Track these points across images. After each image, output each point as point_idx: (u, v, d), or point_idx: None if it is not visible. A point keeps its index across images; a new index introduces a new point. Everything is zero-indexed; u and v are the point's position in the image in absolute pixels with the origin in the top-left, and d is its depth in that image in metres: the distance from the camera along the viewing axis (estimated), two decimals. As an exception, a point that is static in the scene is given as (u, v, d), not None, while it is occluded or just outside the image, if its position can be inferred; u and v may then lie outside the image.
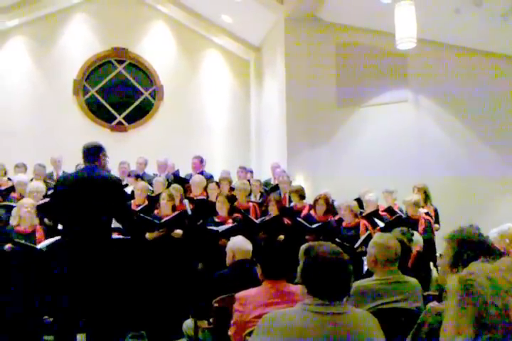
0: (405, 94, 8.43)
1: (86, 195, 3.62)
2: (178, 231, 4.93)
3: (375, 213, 5.51)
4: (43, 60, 9.76)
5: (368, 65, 8.54)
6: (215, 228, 4.98)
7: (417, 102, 8.41)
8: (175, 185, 5.72)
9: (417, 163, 7.90)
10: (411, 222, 5.30)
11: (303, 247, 2.02)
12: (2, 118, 9.34)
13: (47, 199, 4.97)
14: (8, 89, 9.54)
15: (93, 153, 3.76)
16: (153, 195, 5.68)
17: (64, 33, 9.93)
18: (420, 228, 5.34)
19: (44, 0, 9.38)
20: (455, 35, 7.92)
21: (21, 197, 5.41)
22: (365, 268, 4.19)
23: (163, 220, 4.82)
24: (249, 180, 6.56)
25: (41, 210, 4.75)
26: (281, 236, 5.21)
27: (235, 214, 5.20)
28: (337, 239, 4.85)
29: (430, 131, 8.25)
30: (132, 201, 5.45)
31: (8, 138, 9.12)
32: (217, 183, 6.20)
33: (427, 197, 6.18)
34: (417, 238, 4.50)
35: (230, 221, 5.14)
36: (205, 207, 5.50)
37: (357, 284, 2.67)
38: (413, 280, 2.80)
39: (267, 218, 5.29)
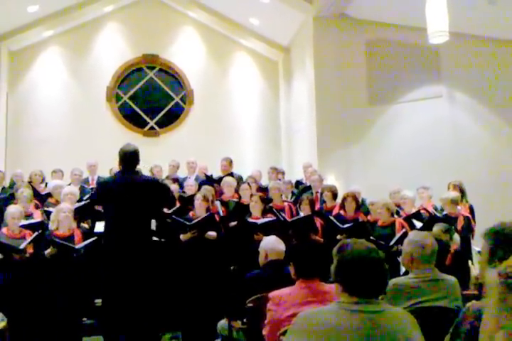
0: (439, 89, 8.23)
1: (131, 197, 3.80)
2: (212, 234, 4.96)
3: (415, 214, 5.39)
4: (76, 69, 10.03)
5: (400, 61, 8.39)
6: (253, 220, 4.99)
7: (451, 97, 8.19)
8: (206, 187, 5.75)
9: (452, 160, 7.70)
10: (448, 220, 5.15)
11: (337, 245, 1.98)
12: (39, 126, 9.66)
13: (83, 203, 5.10)
14: (44, 97, 9.86)
15: (134, 158, 3.94)
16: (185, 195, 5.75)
17: (96, 42, 10.19)
18: (459, 225, 5.19)
19: (76, 10, 9.64)
20: (489, 27, 7.69)
21: (57, 202, 5.55)
22: (403, 269, 4.10)
23: (192, 222, 4.86)
24: (280, 180, 6.53)
25: (79, 212, 4.88)
26: (320, 239, 5.16)
27: (268, 215, 5.19)
28: (371, 237, 4.77)
29: (466, 127, 8.03)
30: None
31: (45, 145, 9.43)
32: (249, 184, 6.20)
33: (462, 195, 5.98)
34: (455, 236, 4.37)
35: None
36: (238, 209, 5.50)
37: (393, 282, 2.61)
38: (451, 279, 2.71)
39: (299, 217, 5.26)
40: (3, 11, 8.60)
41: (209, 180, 6.51)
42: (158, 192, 3.94)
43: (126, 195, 3.81)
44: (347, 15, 8.57)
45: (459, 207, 5.50)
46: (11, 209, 4.66)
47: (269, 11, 9.21)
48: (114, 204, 3.83)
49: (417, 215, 5.39)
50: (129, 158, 3.92)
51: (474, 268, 4.46)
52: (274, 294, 2.62)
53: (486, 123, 8.01)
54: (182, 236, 4.92)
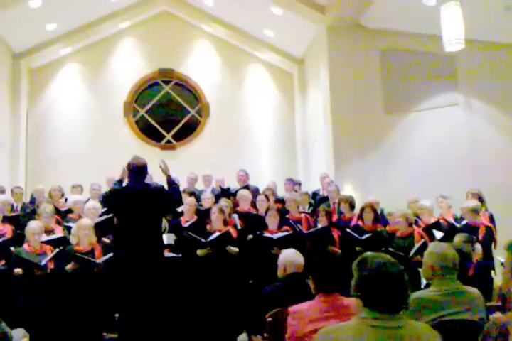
0: (456, 97, 8.17)
1: (140, 208, 3.90)
2: (235, 249, 4.95)
3: (435, 224, 5.32)
4: (94, 85, 10.22)
5: (415, 70, 8.36)
6: (269, 235, 4.96)
7: (468, 105, 8.11)
8: (223, 199, 5.76)
9: (471, 168, 7.59)
10: (469, 230, 5.06)
11: (357, 259, 1.97)
12: (58, 142, 9.84)
13: (104, 217, 5.14)
14: (63, 113, 10.06)
15: (144, 172, 4.08)
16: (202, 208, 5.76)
17: (113, 57, 10.38)
18: (480, 235, 5.09)
19: (93, 27, 9.83)
20: (506, 33, 7.62)
21: (80, 216, 5.60)
22: (424, 281, 4.03)
23: (208, 240, 4.87)
24: (296, 191, 6.49)
25: (99, 228, 4.92)
26: (337, 250, 5.11)
27: (285, 227, 5.17)
28: (390, 249, 4.70)
29: (484, 134, 7.93)
30: (181, 218, 5.55)
31: (65, 160, 9.57)
32: (266, 196, 6.18)
33: (482, 203, 5.88)
34: (476, 246, 4.30)
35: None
36: (255, 221, 5.49)
37: (414, 296, 2.55)
38: (474, 291, 2.65)
39: (316, 228, 5.22)
40: (22, 30, 8.82)
41: (225, 194, 6.52)
42: (164, 199, 4.04)
43: (135, 207, 3.89)
44: (360, 24, 8.56)
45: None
46: (31, 225, 4.73)
47: (283, 23, 9.26)
48: (123, 216, 3.89)
49: (437, 225, 5.31)
50: (138, 170, 4.01)
51: (497, 279, 4.37)
52: (293, 308, 2.59)
53: (504, 130, 7.90)
54: (198, 252, 4.93)
